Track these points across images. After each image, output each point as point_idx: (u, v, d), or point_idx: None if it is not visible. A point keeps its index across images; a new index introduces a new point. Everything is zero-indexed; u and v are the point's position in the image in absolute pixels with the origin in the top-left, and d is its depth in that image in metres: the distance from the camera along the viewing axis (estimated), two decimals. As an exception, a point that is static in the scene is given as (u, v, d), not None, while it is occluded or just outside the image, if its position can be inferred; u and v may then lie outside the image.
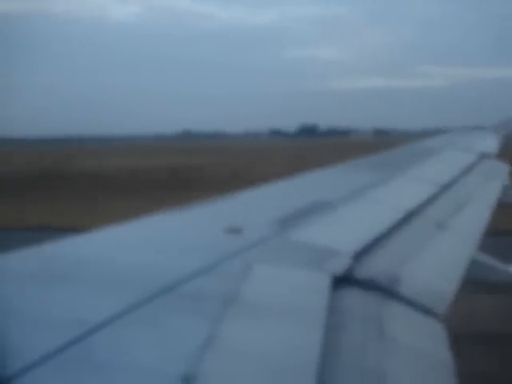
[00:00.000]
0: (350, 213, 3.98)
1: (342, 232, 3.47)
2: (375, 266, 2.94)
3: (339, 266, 2.70)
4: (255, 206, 4.10)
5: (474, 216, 4.88)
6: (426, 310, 2.65)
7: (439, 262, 3.49)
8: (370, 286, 2.68)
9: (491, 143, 10.96)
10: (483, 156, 8.76)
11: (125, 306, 1.91)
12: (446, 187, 5.61)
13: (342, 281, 2.58)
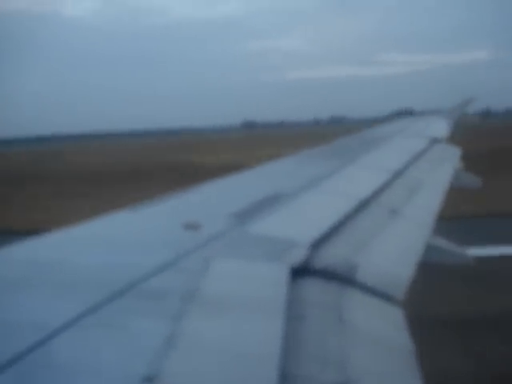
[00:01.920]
0: (306, 203, 4.01)
1: (299, 223, 3.50)
2: (332, 255, 2.97)
3: (296, 256, 2.72)
4: (212, 200, 4.10)
5: (427, 201, 4.97)
6: (384, 296, 2.69)
7: (395, 248, 3.55)
8: (327, 275, 2.71)
9: (442, 128, 11.15)
10: (434, 141, 8.90)
11: (83, 308, 1.90)
12: (398, 173, 5.69)
13: (300, 271, 2.60)
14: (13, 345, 1.63)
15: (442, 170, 6.74)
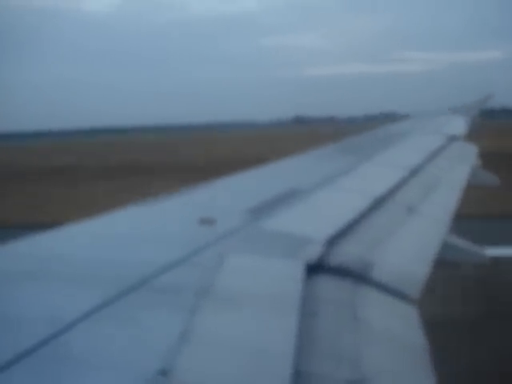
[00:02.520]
0: (322, 200, 4.00)
1: (315, 219, 3.49)
2: (348, 253, 2.96)
3: (312, 253, 2.71)
4: (228, 195, 4.10)
5: (444, 199, 4.94)
6: (399, 295, 2.68)
7: (410, 246, 3.53)
8: (342, 272, 2.70)
9: (459, 125, 11.08)
10: (452, 139, 8.85)
11: (98, 302, 1.91)
12: (414, 171, 5.66)
13: (316, 268, 2.59)
14: (28, 337, 1.64)
15: (459, 168, 6.69)
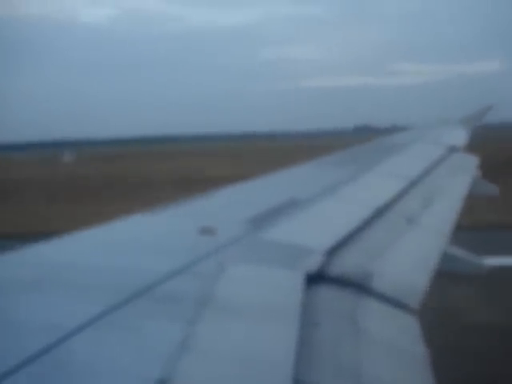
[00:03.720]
0: (323, 210, 4.00)
1: (315, 230, 3.49)
2: (348, 263, 2.97)
3: (312, 263, 2.71)
4: (229, 205, 4.11)
5: (444, 210, 4.93)
6: (400, 305, 2.68)
7: (411, 257, 3.53)
8: (343, 282, 2.70)
9: (460, 136, 11.08)
10: (452, 149, 8.85)
11: (98, 311, 1.91)
12: (415, 182, 5.66)
13: (316, 278, 2.59)
14: (29, 345, 1.64)
15: (459, 179, 6.69)
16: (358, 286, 2.73)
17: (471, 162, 8.32)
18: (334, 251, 3.01)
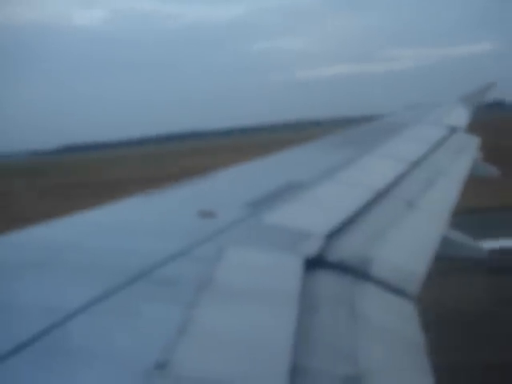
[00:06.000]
0: (322, 193, 3.99)
1: (315, 213, 3.49)
2: (347, 247, 2.96)
3: (311, 247, 2.71)
4: (228, 188, 4.10)
5: (444, 193, 4.92)
6: (398, 291, 2.68)
7: (410, 242, 3.52)
8: (341, 267, 2.70)
9: (461, 116, 10.97)
10: (453, 130, 8.79)
11: (97, 293, 1.91)
12: (415, 164, 5.63)
13: (315, 262, 2.60)
14: (27, 328, 1.65)
15: (461, 161, 6.66)
16: (357, 270, 2.73)
17: (472, 143, 8.27)
18: (333, 235, 3.01)
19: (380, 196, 4.13)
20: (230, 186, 4.18)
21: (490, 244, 12.51)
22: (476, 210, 18.35)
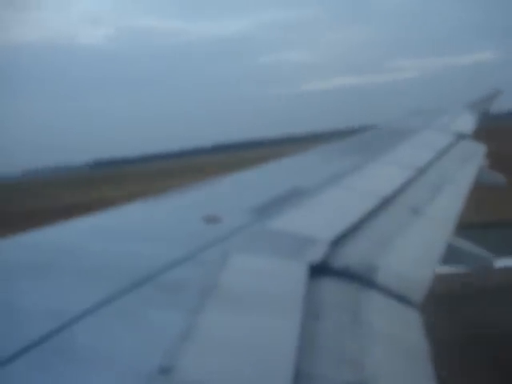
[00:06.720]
0: (328, 200, 3.98)
1: (320, 219, 3.48)
2: (352, 254, 2.96)
3: (316, 254, 2.71)
4: (233, 193, 4.09)
5: (449, 201, 4.90)
6: (402, 299, 2.67)
7: (415, 249, 3.51)
8: (346, 274, 2.70)
9: (468, 123, 10.93)
10: (459, 137, 8.76)
11: (102, 297, 1.92)
12: (420, 171, 5.61)
13: (319, 269, 2.59)
14: (32, 331, 1.65)
15: (467, 170, 6.63)
16: (362, 278, 2.72)
17: (478, 151, 8.25)
18: (338, 242, 3.00)
19: (385, 203, 4.12)
20: (235, 191, 4.18)
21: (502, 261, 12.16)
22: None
